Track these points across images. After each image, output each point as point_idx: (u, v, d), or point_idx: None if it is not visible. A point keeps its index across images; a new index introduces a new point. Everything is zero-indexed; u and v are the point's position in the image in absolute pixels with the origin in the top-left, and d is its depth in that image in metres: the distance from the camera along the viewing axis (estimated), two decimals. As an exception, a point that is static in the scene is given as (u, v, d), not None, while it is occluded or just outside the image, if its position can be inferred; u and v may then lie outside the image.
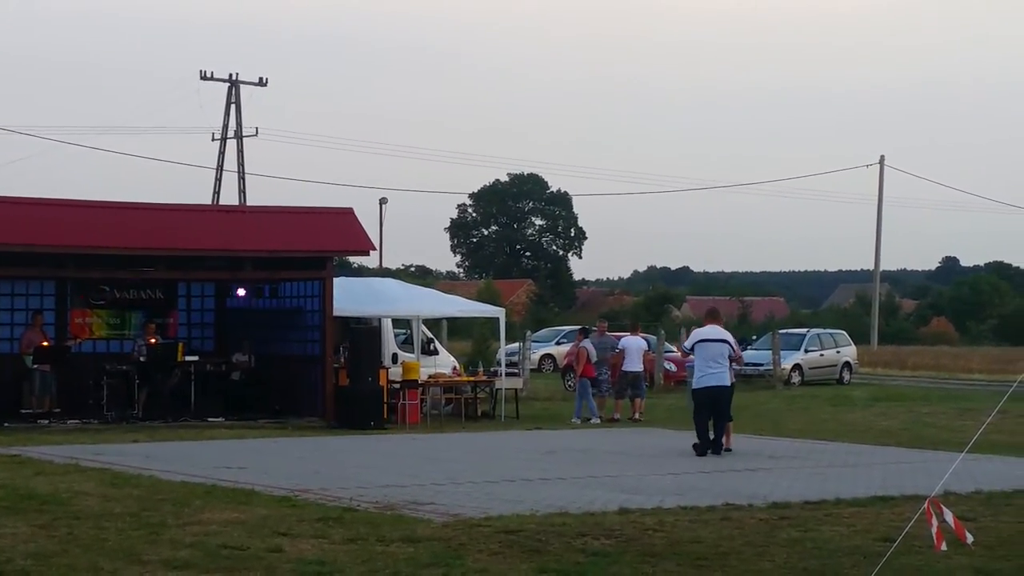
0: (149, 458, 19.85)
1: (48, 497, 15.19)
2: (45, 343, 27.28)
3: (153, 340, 27.92)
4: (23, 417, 26.63)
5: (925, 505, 9.86)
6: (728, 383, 21.83)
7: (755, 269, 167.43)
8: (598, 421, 28.81)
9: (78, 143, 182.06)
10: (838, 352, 49.57)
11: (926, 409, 34.07)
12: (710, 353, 21.60)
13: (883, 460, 21.08)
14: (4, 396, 26.99)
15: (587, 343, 30.13)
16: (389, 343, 32.57)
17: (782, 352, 45.07)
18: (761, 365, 45.76)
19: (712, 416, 21.67)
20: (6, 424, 25.58)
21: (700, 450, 21.36)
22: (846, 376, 48.90)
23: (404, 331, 34.95)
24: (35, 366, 26.99)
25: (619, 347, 30.06)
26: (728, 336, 22.07)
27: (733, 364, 22.17)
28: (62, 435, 24.28)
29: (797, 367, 47.24)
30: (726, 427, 21.88)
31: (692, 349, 22.06)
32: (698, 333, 22.22)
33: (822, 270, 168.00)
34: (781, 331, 49.79)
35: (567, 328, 52.21)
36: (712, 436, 21.58)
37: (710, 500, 15.34)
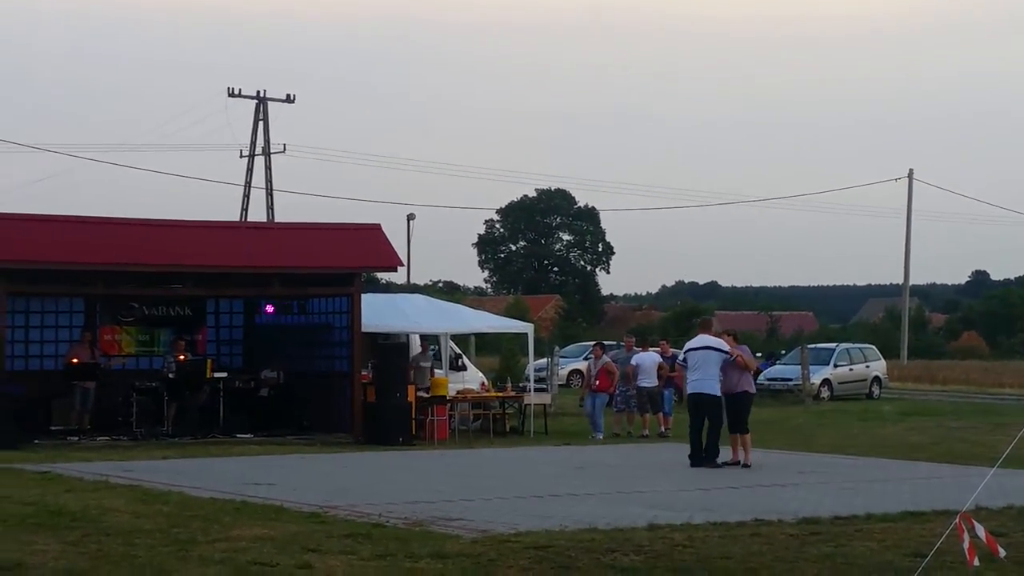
0: (178, 474, 19.89)
1: (78, 513, 15.22)
2: (75, 360, 27.40)
3: (182, 357, 28.00)
4: (53, 434, 26.76)
5: (956, 520, 9.82)
6: (713, 392, 21.66)
7: (783, 284, 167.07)
8: (600, 437, 28.69)
9: (106, 161, 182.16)
10: (867, 367, 49.39)
11: (956, 424, 33.88)
12: (694, 361, 21.84)
13: (913, 475, 20.97)
14: (34, 413, 27.11)
15: (608, 358, 30.19)
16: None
17: (811, 367, 44.92)
18: (790, 380, 45.64)
19: (702, 425, 21.69)
20: (36, 441, 25.67)
21: (691, 461, 21.45)
22: (876, 391, 48.71)
23: (432, 347, 34.97)
24: (75, 382, 27.25)
25: (632, 363, 29.95)
26: (716, 343, 21.92)
27: (745, 372, 22.02)
28: (92, 452, 24.35)
29: (826, 382, 47.08)
30: (743, 440, 21.75)
31: (684, 360, 22.31)
32: (688, 344, 22.41)
33: (851, 284, 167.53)
34: (810, 346, 49.66)
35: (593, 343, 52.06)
36: (704, 445, 21.62)
37: (739, 516, 15.27)
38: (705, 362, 21.64)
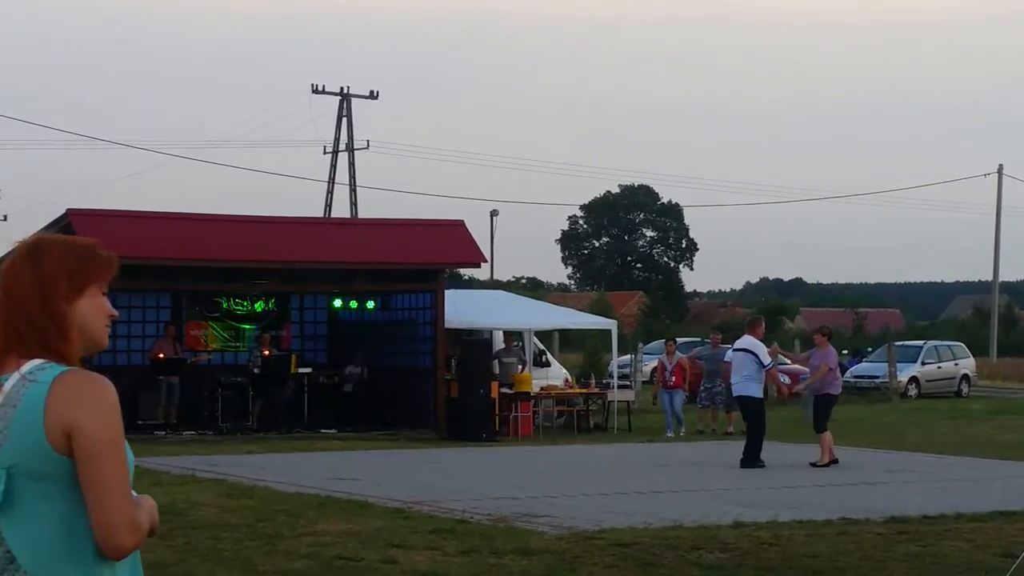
0: (263, 469, 20.01)
1: (165, 507, 15.31)
2: (161, 355, 27.68)
3: (267, 352, 28.19)
4: (140, 428, 27.03)
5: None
6: (747, 392, 21.48)
7: (870, 280, 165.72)
8: (671, 435, 28.49)
9: (192, 157, 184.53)
10: (956, 364, 48.80)
11: (1047, 422, 33.38)
12: (736, 363, 21.89)
13: (1004, 474, 20.68)
14: (122, 407, 27.34)
15: (681, 355, 30.17)
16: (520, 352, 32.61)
17: (898, 364, 44.43)
18: (877, 378, 45.22)
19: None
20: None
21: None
22: (964, 389, 48.11)
23: (516, 343, 34.96)
24: (160, 377, 27.55)
25: (727, 359, 29.72)
26: (753, 346, 21.66)
27: (830, 374, 21.84)
28: (178, 446, 24.58)
29: (914, 379, 46.58)
30: (820, 439, 21.49)
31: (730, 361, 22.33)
32: (734, 345, 22.42)
33: (939, 281, 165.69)
34: (897, 343, 49.11)
35: (680, 340, 51.94)
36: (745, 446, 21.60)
37: (826, 514, 15.13)
38: (743, 364, 21.52)
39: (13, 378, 3.41)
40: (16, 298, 3.49)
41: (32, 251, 3.57)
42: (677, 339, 34.17)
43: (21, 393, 3.39)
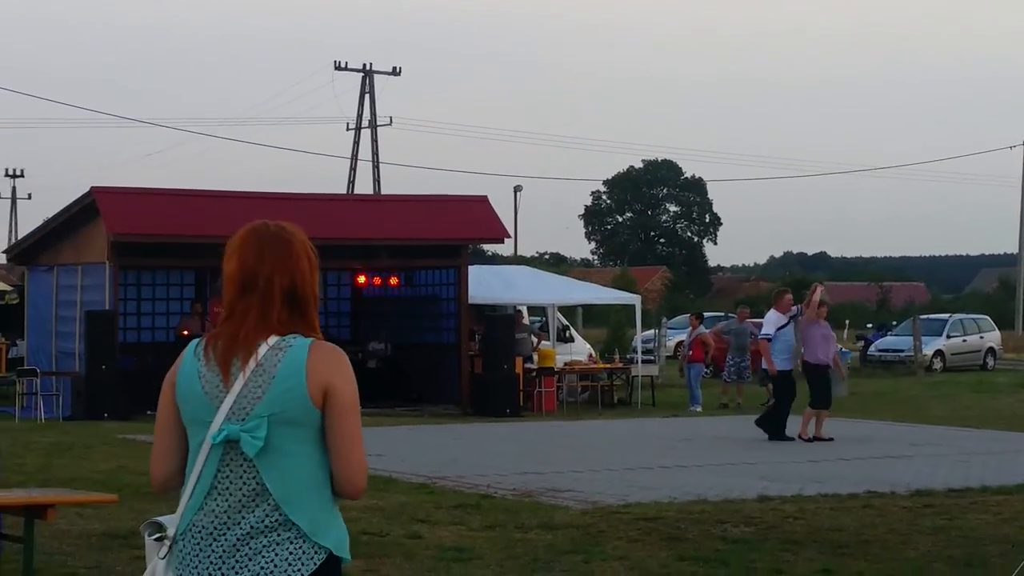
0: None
1: (191, 484, 15.39)
2: (187, 332, 27.73)
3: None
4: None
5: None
6: (768, 367, 21.62)
7: (894, 254, 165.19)
8: (699, 409, 28.43)
9: (215, 135, 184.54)
10: (981, 337, 48.59)
11: (1073, 395, 33.27)
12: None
13: (1030, 447, 20.58)
14: (148, 385, 27.48)
15: (704, 330, 30.09)
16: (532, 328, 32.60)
17: (923, 338, 44.31)
18: (902, 351, 45.11)
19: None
20: (149, 412, 26.02)
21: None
22: (990, 362, 47.92)
23: (539, 318, 34.96)
24: (185, 353, 27.61)
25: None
26: (765, 319, 22.02)
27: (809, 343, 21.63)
28: (204, 423, 24.62)
29: (939, 353, 46.41)
30: (805, 413, 21.24)
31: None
32: None
33: (964, 254, 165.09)
34: (922, 316, 48.95)
35: (705, 315, 51.84)
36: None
37: (851, 487, 15.11)
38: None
39: (263, 347, 4.05)
40: (304, 280, 4.15)
41: (304, 238, 4.22)
42: (704, 314, 34.13)
43: (279, 357, 4.04)
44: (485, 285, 29.76)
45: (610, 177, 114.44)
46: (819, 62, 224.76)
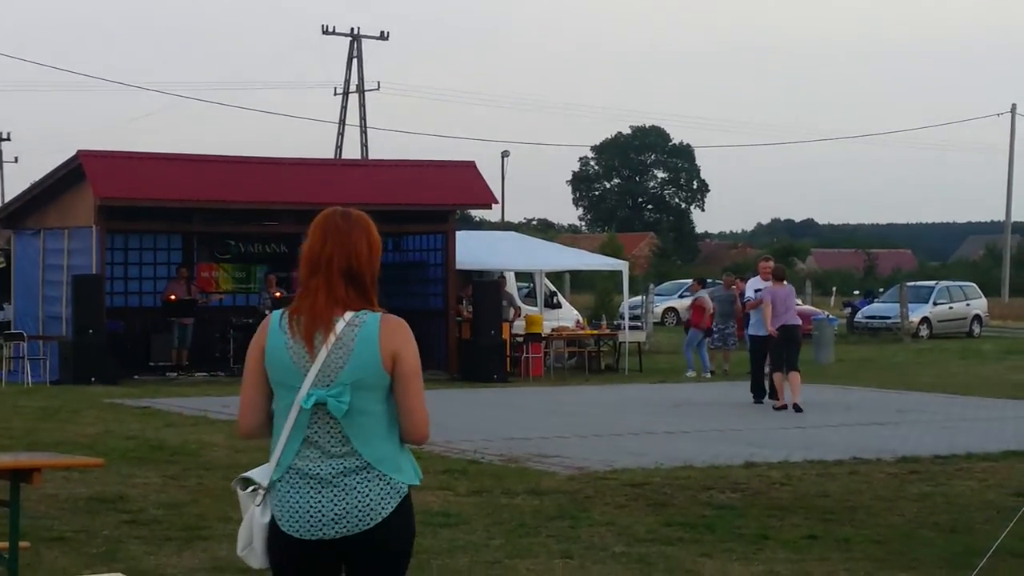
0: (276, 410, 20.02)
1: (178, 448, 15.41)
2: (173, 296, 27.69)
3: (279, 294, 28.19)
4: (152, 369, 27.12)
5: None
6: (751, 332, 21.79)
7: (881, 221, 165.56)
8: (708, 375, 28.51)
9: (202, 99, 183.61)
10: (967, 305, 48.68)
11: (1059, 362, 33.35)
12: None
13: (1016, 414, 20.64)
14: (134, 349, 27.49)
15: (703, 294, 29.95)
16: (515, 297, 32.57)
17: (910, 305, 44.38)
18: (888, 318, 45.18)
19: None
20: (136, 376, 26.03)
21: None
22: (976, 329, 48.04)
23: (527, 284, 34.96)
24: (172, 318, 27.57)
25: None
26: (748, 285, 22.69)
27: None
28: (190, 387, 24.64)
29: (925, 320, 46.49)
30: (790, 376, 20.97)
31: None
32: None
33: (950, 222, 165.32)
34: (909, 284, 49.03)
35: (690, 281, 51.93)
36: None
37: (837, 454, 15.14)
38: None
39: (340, 323, 4.73)
40: (361, 262, 4.82)
41: (366, 224, 4.91)
42: (688, 280, 34.14)
43: (355, 333, 4.73)
44: (472, 251, 29.72)
45: (598, 143, 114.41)
46: (807, 29, 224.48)
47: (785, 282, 21.35)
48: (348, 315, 4.74)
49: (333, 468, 4.72)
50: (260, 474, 4.81)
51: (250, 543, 4.82)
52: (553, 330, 30.20)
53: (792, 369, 20.58)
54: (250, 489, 4.82)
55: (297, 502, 4.72)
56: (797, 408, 20.34)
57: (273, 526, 4.77)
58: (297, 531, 4.73)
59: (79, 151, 26.21)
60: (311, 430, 4.74)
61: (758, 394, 21.79)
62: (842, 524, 11.04)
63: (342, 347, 4.71)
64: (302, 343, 4.73)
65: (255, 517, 4.78)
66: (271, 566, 4.83)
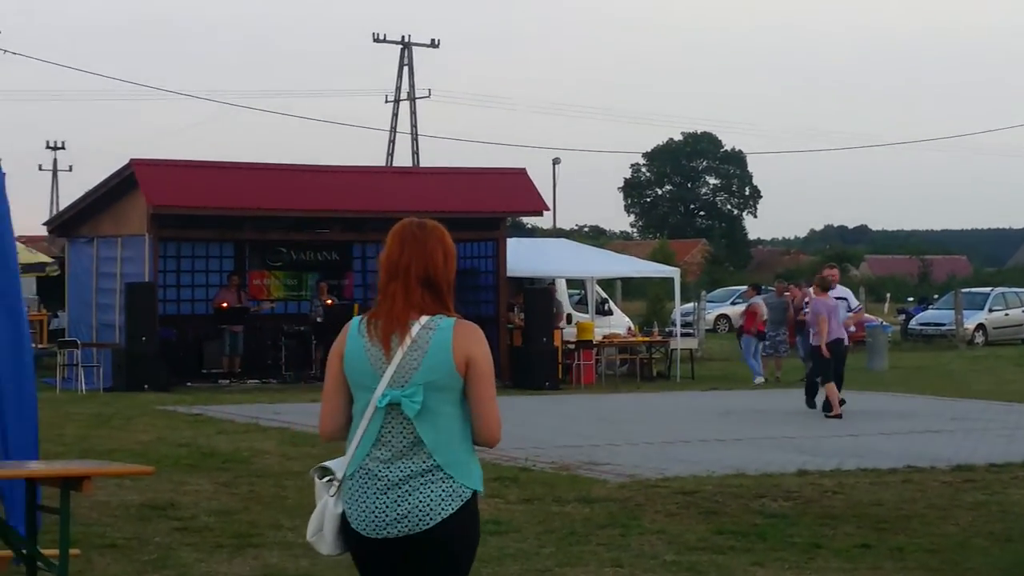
0: (327, 417, 20.03)
1: (229, 455, 15.44)
2: (225, 304, 27.80)
3: (330, 301, 28.26)
4: (204, 377, 27.23)
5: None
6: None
7: (935, 227, 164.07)
8: (761, 380, 28.32)
9: (253, 107, 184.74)
10: (1024, 311, 48.22)
11: (1116, 370, 32.98)
12: None
13: (1072, 422, 20.40)
14: (187, 356, 27.62)
15: (758, 299, 29.78)
16: (564, 304, 32.54)
17: (965, 312, 44.04)
18: (943, 325, 44.82)
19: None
20: (188, 384, 26.14)
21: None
22: (1033, 336, 47.54)
23: (578, 292, 34.89)
24: (223, 326, 27.67)
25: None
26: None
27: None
28: (242, 394, 24.73)
29: (980, 327, 46.07)
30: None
31: None
32: None
33: (1006, 228, 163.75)
34: (964, 290, 48.62)
35: (742, 288, 51.72)
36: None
37: (891, 462, 15.01)
38: None
39: (415, 327, 4.99)
40: (437, 269, 5.10)
41: (441, 233, 5.21)
42: (740, 287, 33.96)
43: (429, 335, 4.98)
44: (523, 258, 29.69)
45: (649, 150, 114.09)
46: (861, 35, 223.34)
47: (830, 292, 21.17)
48: (424, 319, 5.00)
49: (401, 471, 4.96)
50: (337, 465, 5.07)
51: (320, 530, 5.08)
52: (604, 337, 30.12)
53: (827, 381, 20.63)
54: (326, 479, 5.08)
55: (363, 502, 4.97)
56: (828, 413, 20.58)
57: (345, 519, 5.03)
58: (364, 529, 4.99)
59: (132, 159, 26.35)
60: (385, 430, 4.98)
61: (812, 396, 21.56)
62: (895, 533, 10.93)
63: (417, 349, 4.96)
64: (379, 345, 4.99)
65: (328, 507, 5.05)
66: (351, 555, 5.12)
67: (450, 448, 4.99)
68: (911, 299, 56.83)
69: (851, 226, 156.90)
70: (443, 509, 4.95)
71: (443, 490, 4.96)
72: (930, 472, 14.33)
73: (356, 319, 5.13)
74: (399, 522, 4.94)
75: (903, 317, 49.21)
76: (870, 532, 10.94)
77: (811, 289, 22.22)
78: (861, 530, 11.02)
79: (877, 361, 32.59)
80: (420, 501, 4.94)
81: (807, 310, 22.65)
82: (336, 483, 5.05)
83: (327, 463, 5.10)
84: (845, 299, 21.63)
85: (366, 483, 4.99)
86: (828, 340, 20.51)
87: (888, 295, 62.48)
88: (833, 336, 20.63)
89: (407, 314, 5.01)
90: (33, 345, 28.95)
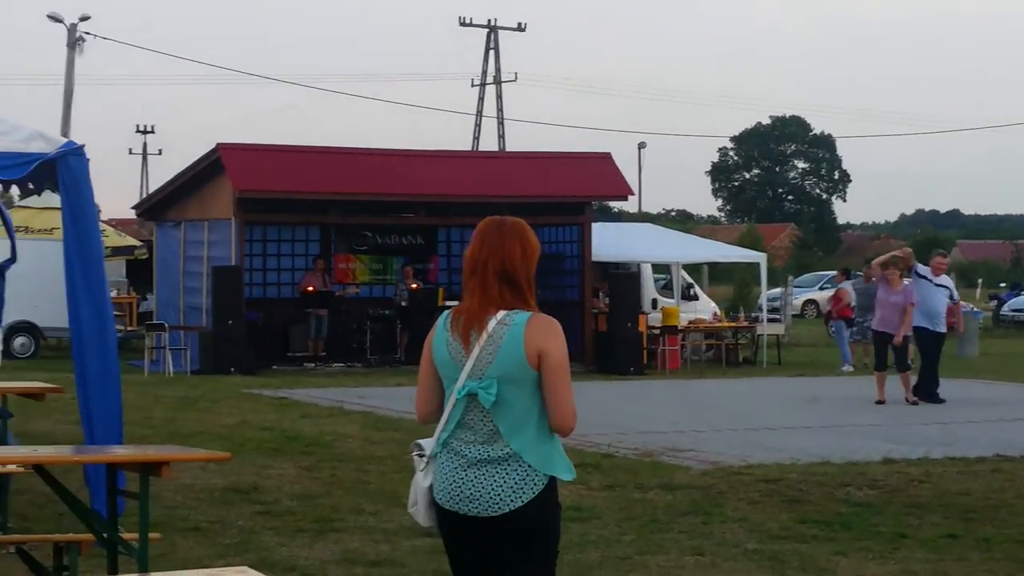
0: (411, 402, 20.00)
1: (313, 439, 15.51)
2: (310, 287, 27.93)
3: (415, 285, 28.31)
4: (290, 360, 27.39)
5: None
6: (880, 330, 20.62)
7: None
8: (850, 369, 27.93)
9: (340, 91, 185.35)
10: (1120, 296, 47.43)
11: None
12: None
13: None
14: (273, 339, 27.79)
15: (846, 284, 29.44)
16: (649, 288, 32.41)
17: (1059, 297, 43.39)
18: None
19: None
20: (274, 367, 26.32)
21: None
22: None
23: (664, 276, 34.73)
24: (309, 310, 27.80)
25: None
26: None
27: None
28: (326, 378, 24.85)
29: (1075, 313, 45.39)
30: (900, 377, 20.68)
31: None
32: None
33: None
34: (1057, 275, 47.90)
35: (831, 273, 51.26)
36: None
37: (980, 451, 14.78)
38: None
39: (492, 322, 5.25)
40: (514, 265, 5.32)
41: (520, 230, 5.41)
42: (828, 272, 33.65)
43: (504, 330, 5.23)
44: (609, 242, 29.59)
45: (737, 134, 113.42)
46: (952, 17, 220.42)
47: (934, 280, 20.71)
48: (500, 314, 5.27)
49: (480, 453, 5.26)
50: (428, 443, 5.40)
51: (416, 502, 5.42)
52: (690, 322, 29.96)
53: (881, 369, 20.49)
54: (418, 454, 5.43)
55: (445, 476, 5.30)
56: (880, 402, 20.30)
57: (431, 491, 5.37)
58: (443, 501, 5.32)
59: (218, 144, 26.55)
60: (467, 416, 5.30)
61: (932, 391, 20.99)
62: (983, 523, 10.76)
63: (492, 344, 5.25)
64: (460, 340, 5.30)
65: (419, 480, 5.40)
66: (439, 532, 5.44)
67: (527, 437, 5.24)
68: (1003, 284, 56.10)
69: (943, 210, 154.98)
70: (514, 498, 5.22)
71: (518, 478, 5.23)
72: (1020, 462, 14.10)
73: (445, 312, 5.42)
74: (471, 502, 5.24)
75: (995, 303, 48.57)
76: (957, 522, 10.78)
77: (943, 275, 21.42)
78: (948, 520, 10.86)
79: (968, 348, 32.17)
80: (493, 487, 5.22)
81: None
82: (425, 458, 5.38)
83: (420, 440, 5.45)
84: (947, 287, 21.05)
85: (450, 459, 5.30)
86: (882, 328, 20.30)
87: (980, 280, 61.72)
88: (881, 327, 20.38)
89: (485, 310, 5.28)
90: (122, 328, 29.32)
